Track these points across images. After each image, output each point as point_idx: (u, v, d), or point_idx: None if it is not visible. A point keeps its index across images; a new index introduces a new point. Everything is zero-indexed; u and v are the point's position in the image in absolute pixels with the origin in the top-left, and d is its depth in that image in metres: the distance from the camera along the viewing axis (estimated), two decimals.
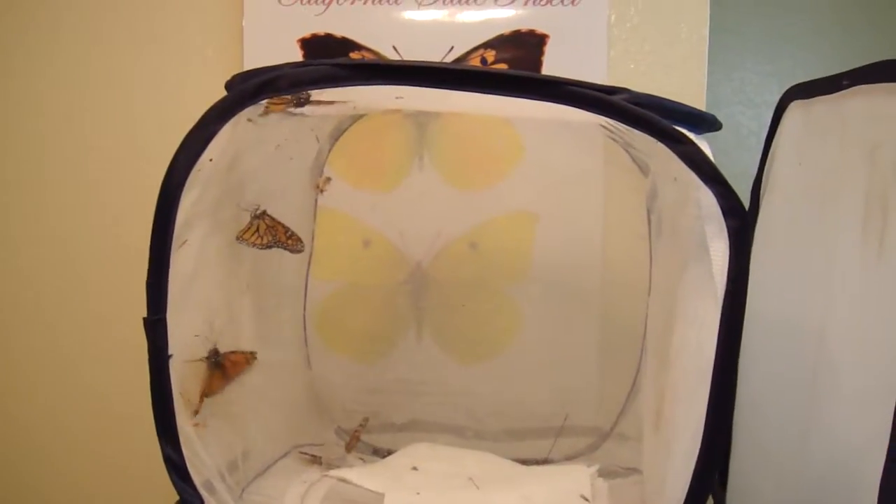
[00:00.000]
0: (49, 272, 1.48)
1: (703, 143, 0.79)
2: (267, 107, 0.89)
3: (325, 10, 1.32)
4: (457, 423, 1.27)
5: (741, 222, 0.75)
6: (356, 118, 1.16)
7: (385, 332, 1.32)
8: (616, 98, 0.76)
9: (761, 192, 1.16)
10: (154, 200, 0.80)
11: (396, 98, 0.92)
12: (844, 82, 0.95)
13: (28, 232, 1.47)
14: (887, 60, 0.85)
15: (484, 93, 0.77)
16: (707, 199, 0.76)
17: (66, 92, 1.44)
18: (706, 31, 1.32)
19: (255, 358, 1.07)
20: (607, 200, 1.27)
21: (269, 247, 1.05)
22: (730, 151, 1.47)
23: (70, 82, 1.43)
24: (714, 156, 0.76)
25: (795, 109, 1.10)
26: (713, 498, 1.00)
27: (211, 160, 0.82)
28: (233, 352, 1.02)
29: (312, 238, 1.22)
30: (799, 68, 1.52)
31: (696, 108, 0.82)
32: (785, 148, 1.12)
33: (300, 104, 0.90)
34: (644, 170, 1.09)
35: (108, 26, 1.42)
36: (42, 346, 1.50)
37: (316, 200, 1.22)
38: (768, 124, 1.16)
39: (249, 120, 0.90)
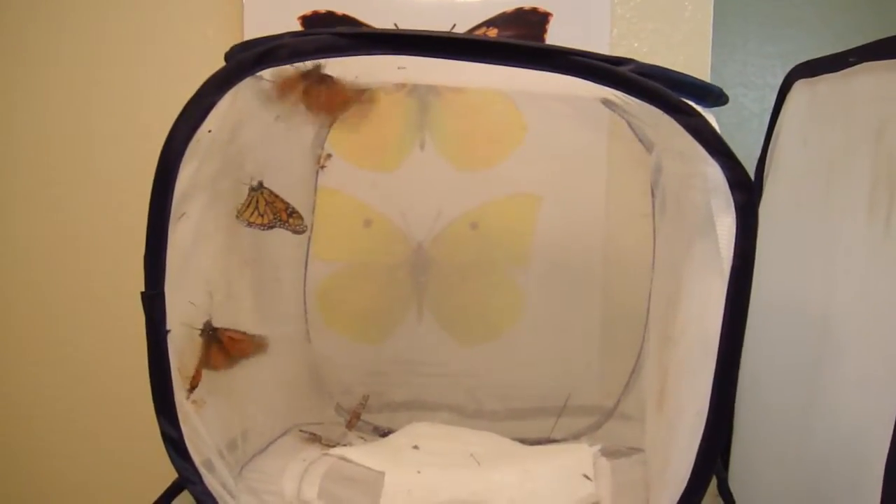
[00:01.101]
0: (47, 249, 1.47)
1: (709, 116, 0.78)
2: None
3: None
4: (458, 402, 1.27)
5: (749, 196, 0.74)
6: (359, 94, 1.15)
7: (386, 312, 1.31)
8: (623, 69, 0.75)
9: (765, 172, 1.16)
10: (149, 179, 0.79)
11: (399, 68, 0.91)
12: (851, 59, 0.95)
13: (26, 208, 1.46)
14: (894, 36, 0.84)
15: (488, 63, 0.76)
16: (714, 172, 0.75)
17: (66, 70, 1.42)
18: (710, 10, 1.30)
19: (267, 345, 1.06)
20: (610, 179, 1.26)
21: (272, 226, 1.04)
22: (732, 133, 1.44)
23: (70, 60, 1.42)
24: None
25: (800, 88, 1.09)
26: (716, 478, 0.99)
27: (210, 131, 0.81)
28: (235, 330, 1.01)
29: (313, 215, 1.21)
30: (802, 50, 1.50)
31: (702, 81, 0.81)
32: (789, 128, 1.11)
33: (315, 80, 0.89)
34: (648, 146, 1.08)
35: (109, 4, 1.41)
36: (40, 326, 1.49)
37: (317, 177, 1.21)
38: (771, 106, 1.16)
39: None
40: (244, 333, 1.03)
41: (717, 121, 0.78)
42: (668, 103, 0.74)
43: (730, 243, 0.75)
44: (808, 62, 1.07)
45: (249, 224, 1.02)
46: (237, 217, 1.01)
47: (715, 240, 0.76)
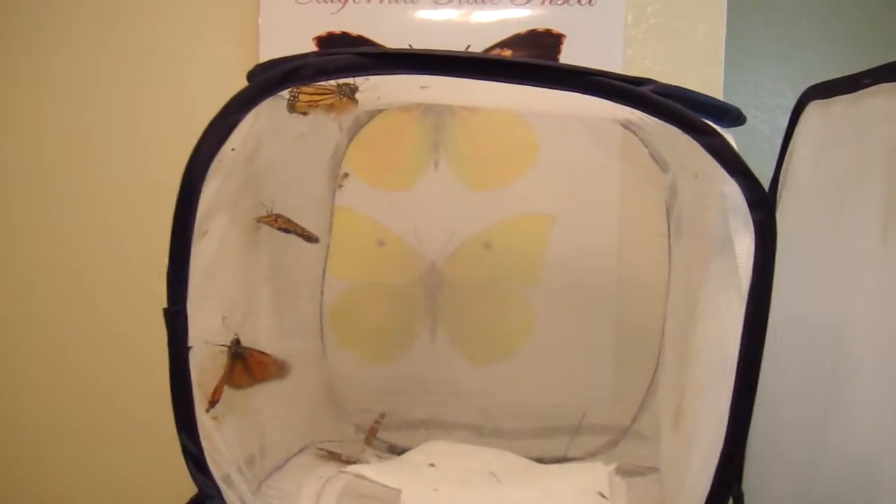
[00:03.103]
0: (57, 266, 1.47)
1: (727, 136, 0.78)
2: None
3: (341, 8, 1.32)
4: (472, 421, 1.27)
5: (767, 215, 0.74)
6: (374, 114, 1.16)
7: (399, 331, 1.31)
8: (643, 89, 0.75)
9: (778, 193, 1.16)
10: (167, 197, 0.79)
11: (421, 88, 0.92)
12: (865, 81, 0.95)
13: (38, 225, 1.47)
14: None
15: (509, 82, 0.76)
16: (732, 192, 0.75)
17: (77, 91, 1.43)
18: (723, 31, 1.31)
19: (289, 370, 1.08)
20: (624, 200, 1.27)
21: (286, 231, 1.04)
22: (743, 155, 1.46)
23: (82, 80, 1.43)
24: None
25: (814, 110, 1.10)
26: (732, 499, 0.99)
27: (233, 150, 0.81)
28: (260, 352, 1.02)
29: (330, 234, 1.22)
30: (813, 73, 1.51)
31: (721, 101, 0.82)
32: (802, 148, 1.11)
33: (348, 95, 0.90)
34: (664, 167, 1.09)
35: (123, 24, 1.42)
36: (51, 345, 1.49)
37: (334, 195, 1.22)
38: (783, 128, 1.16)
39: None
40: (268, 355, 1.03)
41: None
42: (690, 123, 0.75)
43: (748, 262, 0.75)
44: (822, 83, 1.08)
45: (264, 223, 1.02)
46: (256, 220, 1.01)
47: (733, 259, 0.76)
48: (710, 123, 0.76)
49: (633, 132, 1.07)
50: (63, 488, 1.53)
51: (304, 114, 0.92)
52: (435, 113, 1.26)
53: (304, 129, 0.94)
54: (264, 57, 1.29)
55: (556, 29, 1.30)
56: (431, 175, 1.28)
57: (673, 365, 1.03)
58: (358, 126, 1.18)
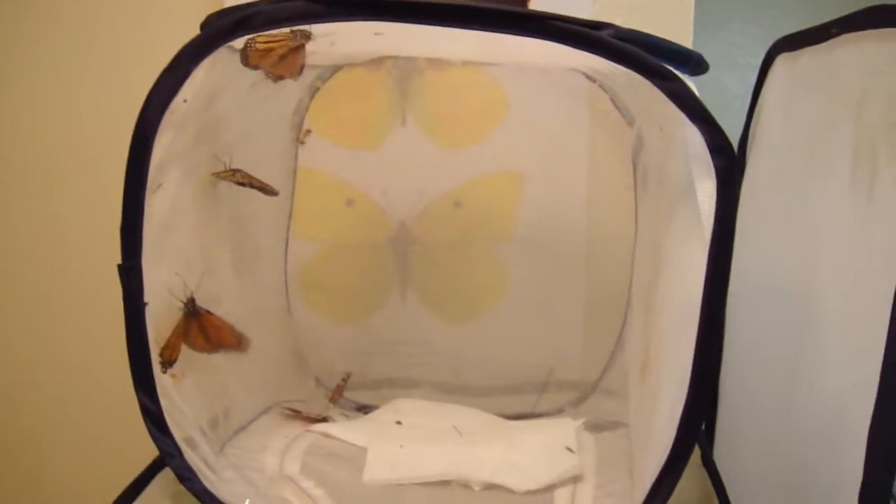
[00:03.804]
0: (26, 224, 1.47)
1: (689, 82, 0.77)
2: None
3: None
4: (442, 379, 1.27)
5: (729, 161, 0.74)
6: (336, 69, 1.14)
7: (369, 291, 1.30)
8: (602, 33, 0.74)
9: (748, 147, 1.15)
10: None
11: (375, 34, 0.90)
12: (833, 31, 0.94)
13: (11, 197, 1.46)
14: (876, 6, 0.84)
15: (467, 28, 0.75)
16: (694, 138, 0.74)
17: (41, 38, 1.42)
18: None
19: (249, 344, 1.06)
20: (592, 155, 1.26)
21: (244, 185, 1.02)
22: (715, 113, 1.45)
23: (45, 29, 1.42)
24: None
25: (782, 62, 1.09)
26: (700, 449, 0.99)
27: (185, 101, 0.80)
28: (218, 317, 1.00)
29: (293, 190, 1.21)
30: (784, 30, 1.50)
31: (682, 46, 0.81)
32: (772, 102, 1.11)
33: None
34: (629, 119, 1.08)
35: None
36: (20, 304, 1.49)
37: (296, 153, 1.20)
38: (753, 86, 1.15)
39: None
40: (225, 322, 1.02)
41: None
42: (647, 67, 0.74)
43: (710, 209, 0.74)
44: (789, 36, 1.07)
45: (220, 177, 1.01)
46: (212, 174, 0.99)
47: (696, 206, 0.75)
48: (671, 69, 0.75)
49: (600, 85, 1.06)
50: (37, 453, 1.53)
51: (255, 68, 0.91)
52: (401, 71, 1.24)
53: (256, 80, 0.92)
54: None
55: None
56: (399, 133, 1.26)
57: (640, 318, 1.03)
58: (321, 80, 1.16)
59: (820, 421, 0.90)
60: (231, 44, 0.81)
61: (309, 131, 1.19)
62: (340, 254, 1.30)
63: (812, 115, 0.99)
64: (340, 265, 1.30)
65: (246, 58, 0.88)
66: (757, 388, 1.09)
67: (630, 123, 1.08)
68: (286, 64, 0.92)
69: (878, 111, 0.83)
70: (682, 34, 1.31)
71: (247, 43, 0.87)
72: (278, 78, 0.94)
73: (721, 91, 1.55)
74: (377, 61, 1.19)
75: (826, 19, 0.95)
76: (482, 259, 1.30)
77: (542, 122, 1.23)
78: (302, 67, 0.95)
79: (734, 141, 1.11)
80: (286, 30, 0.86)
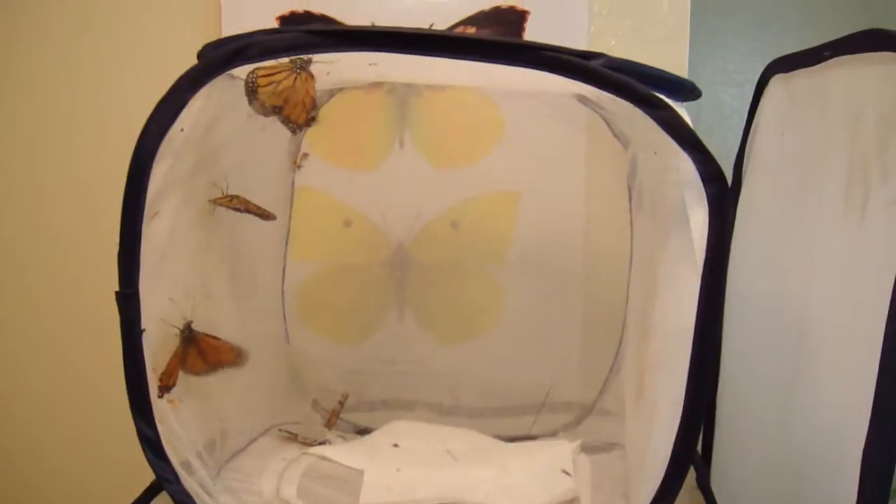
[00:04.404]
0: (23, 247, 1.47)
1: (681, 110, 0.78)
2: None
3: None
4: (439, 401, 1.27)
5: (720, 189, 0.74)
6: (333, 93, 1.15)
7: (367, 312, 1.30)
8: (593, 63, 0.75)
9: (743, 167, 1.16)
10: None
11: (370, 65, 0.91)
12: (826, 53, 0.95)
13: (6, 208, 1.47)
14: (869, 30, 0.84)
15: (458, 58, 0.76)
16: (686, 166, 0.75)
17: (38, 67, 1.43)
18: (687, 6, 1.31)
19: (247, 357, 1.07)
20: (589, 176, 1.26)
21: (241, 210, 1.03)
22: (713, 130, 1.46)
23: (43, 58, 1.42)
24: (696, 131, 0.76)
25: (777, 83, 1.10)
26: (695, 471, 1.00)
27: (182, 130, 0.81)
28: (214, 336, 1.01)
29: (290, 215, 1.21)
30: (782, 46, 1.49)
31: (673, 75, 0.81)
32: (767, 122, 1.11)
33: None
34: (624, 142, 1.08)
35: (84, 2, 1.41)
36: (18, 326, 1.49)
37: (293, 177, 1.21)
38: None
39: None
40: (221, 340, 1.02)
41: (698, 118, 0.79)
42: (638, 96, 0.74)
43: (703, 236, 0.75)
44: (784, 57, 1.08)
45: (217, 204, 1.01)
46: (209, 201, 1.00)
47: (689, 232, 0.76)
48: (662, 97, 0.75)
49: (594, 109, 1.07)
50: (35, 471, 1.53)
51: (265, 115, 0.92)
52: (399, 93, 1.25)
53: (252, 111, 0.93)
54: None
55: (520, 6, 1.30)
56: (397, 154, 1.26)
57: (635, 341, 1.03)
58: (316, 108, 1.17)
59: (817, 442, 0.90)
60: (230, 72, 0.82)
61: (306, 155, 1.19)
62: (338, 274, 1.30)
63: (806, 136, 1.00)
64: (338, 285, 1.31)
65: (253, 95, 0.89)
66: (753, 409, 1.09)
67: (625, 146, 1.08)
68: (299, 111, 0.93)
69: (870, 133, 0.84)
70: (678, 52, 1.32)
71: (250, 75, 0.88)
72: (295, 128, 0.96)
73: (719, 107, 1.55)
74: (374, 84, 1.20)
75: (822, 35, 0.96)
76: (479, 279, 1.30)
77: (538, 142, 1.24)
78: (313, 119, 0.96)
79: (731, 157, 1.13)
80: (285, 59, 0.86)
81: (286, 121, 0.93)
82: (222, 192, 0.99)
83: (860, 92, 0.87)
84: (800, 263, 0.98)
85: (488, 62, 0.75)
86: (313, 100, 0.93)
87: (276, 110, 0.92)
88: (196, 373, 0.98)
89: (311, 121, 0.95)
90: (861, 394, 0.75)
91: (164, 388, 0.89)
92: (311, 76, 0.91)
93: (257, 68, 0.87)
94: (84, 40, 1.41)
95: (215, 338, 1.01)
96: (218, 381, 1.02)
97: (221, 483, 0.99)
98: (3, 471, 1.54)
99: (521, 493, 1.01)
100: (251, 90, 0.89)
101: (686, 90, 0.83)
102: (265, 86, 0.89)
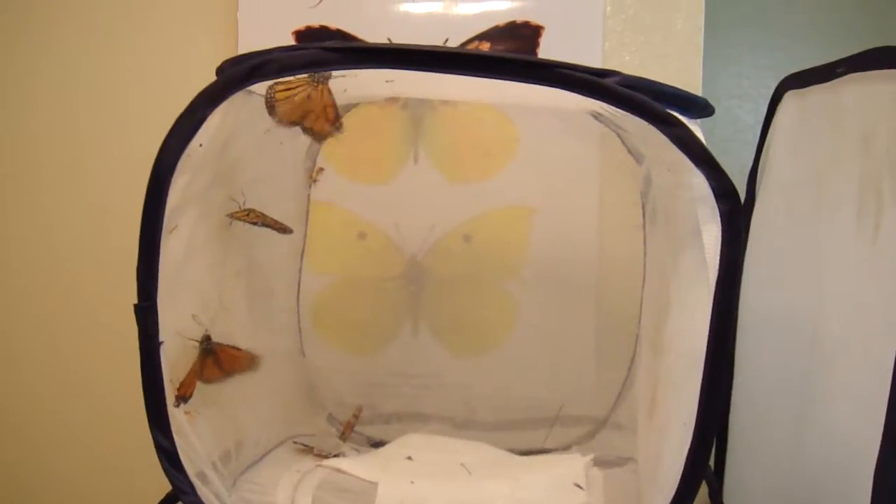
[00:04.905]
0: (38, 261, 1.48)
1: (695, 127, 0.78)
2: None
3: (319, 2, 1.32)
4: (452, 414, 1.27)
5: (733, 206, 0.74)
6: (349, 107, 1.16)
7: (380, 324, 1.31)
8: (606, 80, 0.75)
9: (757, 183, 1.16)
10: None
11: (387, 82, 0.92)
12: (839, 70, 0.95)
13: (16, 220, 1.48)
14: (883, 47, 0.85)
15: (473, 76, 0.76)
16: (699, 182, 0.75)
17: (58, 84, 1.44)
18: (702, 22, 1.31)
19: (259, 362, 1.08)
20: (603, 191, 1.27)
21: (258, 224, 1.04)
22: (727, 145, 1.46)
23: (63, 74, 1.43)
24: (710, 148, 0.76)
25: (790, 100, 1.10)
26: (707, 486, 1.00)
27: (201, 145, 0.81)
28: (231, 346, 1.02)
29: (306, 227, 1.22)
30: (795, 61, 1.50)
31: (687, 92, 0.82)
32: (780, 138, 1.11)
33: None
34: (638, 158, 1.09)
35: (102, 19, 1.42)
36: (34, 339, 1.50)
37: (309, 191, 1.22)
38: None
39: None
40: (239, 349, 1.03)
41: (712, 133, 0.79)
42: (652, 114, 0.75)
43: (716, 253, 0.75)
44: (797, 73, 1.08)
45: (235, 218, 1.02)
46: (227, 215, 1.01)
47: (702, 249, 0.76)
48: (676, 114, 0.76)
49: (607, 125, 1.07)
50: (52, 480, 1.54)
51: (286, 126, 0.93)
52: (414, 108, 1.26)
53: (270, 125, 0.94)
54: (243, 51, 1.30)
55: (535, 21, 1.30)
56: (411, 168, 1.28)
57: (648, 356, 1.04)
58: None
59: (830, 460, 0.90)
60: (248, 88, 0.83)
61: (322, 169, 1.20)
62: (352, 287, 1.31)
63: (819, 152, 1.00)
64: (352, 298, 1.32)
65: (272, 109, 0.90)
66: (766, 425, 1.09)
67: (639, 161, 1.09)
68: (321, 122, 0.94)
69: (883, 150, 0.84)
70: (692, 68, 1.32)
71: (269, 90, 0.89)
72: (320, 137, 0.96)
73: (733, 122, 1.55)
74: (390, 99, 1.21)
75: (835, 50, 0.96)
76: (493, 293, 1.31)
77: (553, 158, 1.25)
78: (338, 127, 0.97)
79: (745, 172, 1.13)
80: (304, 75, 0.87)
81: (309, 132, 0.95)
82: (239, 207, 1.00)
83: (873, 109, 0.87)
84: (813, 280, 0.98)
85: (503, 79, 0.76)
86: (335, 108, 0.94)
87: (297, 123, 0.93)
88: (211, 381, 0.99)
89: (336, 129, 0.96)
90: (874, 411, 0.75)
91: (182, 399, 0.90)
92: (329, 90, 0.92)
93: (276, 83, 0.88)
94: (102, 56, 1.43)
95: (236, 348, 1.02)
96: (233, 392, 1.03)
97: (237, 494, 1.00)
98: (17, 485, 1.55)
99: None
100: (270, 106, 0.90)
101: (699, 107, 0.83)
102: (283, 100, 0.90)
